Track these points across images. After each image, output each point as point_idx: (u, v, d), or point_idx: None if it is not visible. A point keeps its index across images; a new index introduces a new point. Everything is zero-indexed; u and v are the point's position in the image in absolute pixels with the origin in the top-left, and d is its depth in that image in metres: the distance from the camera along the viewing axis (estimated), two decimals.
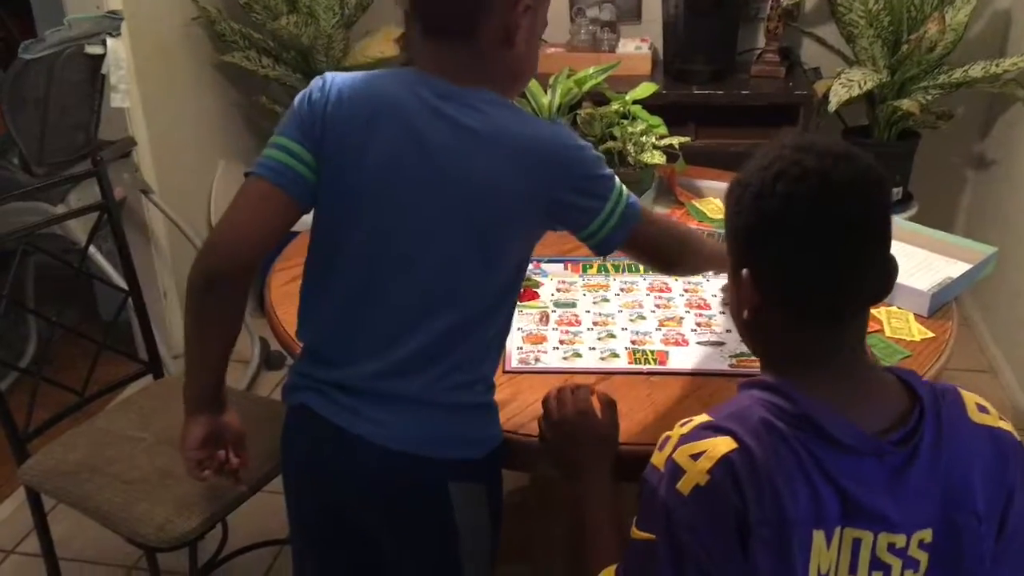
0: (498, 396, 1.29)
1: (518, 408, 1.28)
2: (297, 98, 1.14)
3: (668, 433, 0.90)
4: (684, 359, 1.40)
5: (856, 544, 0.85)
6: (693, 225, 1.82)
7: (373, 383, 1.12)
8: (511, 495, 1.22)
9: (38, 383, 1.74)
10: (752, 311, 0.91)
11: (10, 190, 1.90)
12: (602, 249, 1.18)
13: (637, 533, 0.90)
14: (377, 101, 1.11)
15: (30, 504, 1.73)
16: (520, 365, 1.38)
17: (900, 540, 0.86)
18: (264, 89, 3.04)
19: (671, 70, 2.91)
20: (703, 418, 0.89)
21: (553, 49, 2.99)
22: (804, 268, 0.86)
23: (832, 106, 2.54)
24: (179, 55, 2.83)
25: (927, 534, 0.86)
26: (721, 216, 1.86)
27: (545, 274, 1.68)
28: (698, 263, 1.35)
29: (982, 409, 0.92)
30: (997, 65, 2.60)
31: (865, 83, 2.56)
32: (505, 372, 1.37)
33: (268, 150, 1.12)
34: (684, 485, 0.84)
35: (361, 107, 1.11)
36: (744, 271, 0.90)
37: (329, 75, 1.15)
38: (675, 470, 0.85)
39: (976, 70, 2.62)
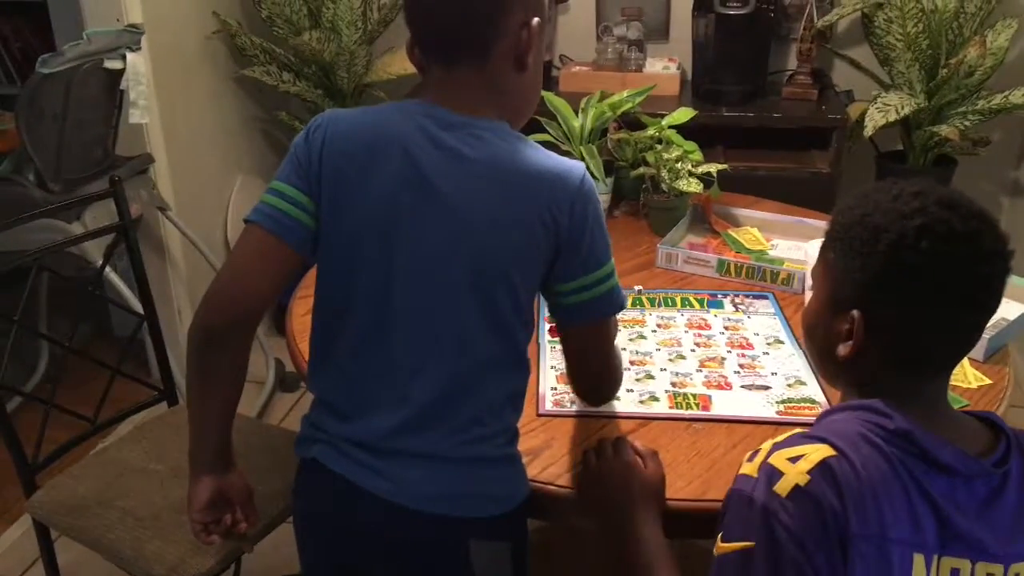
0: (531, 443, 1.22)
1: (553, 457, 1.21)
2: (295, 139, 1.08)
3: (758, 447, 0.89)
4: (728, 404, 1.32)
5: (954, 575, 0.84)
6: (729, 256, 1.75)
7: (388, 440, 1.06)
8: (533, 533, 1.15)
9: (48, 411, 1.68)
10: (853, 350, 0.91)
11: (25, 206, 1.85)
12: (565, 315, 1.11)
13: (725, 547, 0.86)
14: (377, 136, 1.05)
15: (37, 534, 1.67)
16: (554, 408, 1.31)
17: (998, 571, 0.85)
18: (284, 104, 3.00)
19: (700, 91, 2.84)
20: (796, 429, 0.89)
21: (579, 68, 2.93)
22: (931, 326, 0.87)
23: (868, 131, 2.47)
24: (199, 69, 2.78)
25: (1023, 568, 0.85)
26: (758, 248, 1.80)
27: None
28: (603, 397, 1.26)
29: None
30: None
31: (903, 108, 2.48)
32: (538, 416, 1.29)
33: (265, 195, 1.07)
34: (783, 487, 0.82)
35: (359, 143, 1.05)
36: (856, 312, 0.89)
37: (327, 113, 1.09)
38: (772, 473, 0.84)
39: (1017, 96, 2.54)
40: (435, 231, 1.02)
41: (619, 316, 1.54)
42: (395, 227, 1.03)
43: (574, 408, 1.31)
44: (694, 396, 1.34)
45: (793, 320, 1.55)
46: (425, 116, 1.05)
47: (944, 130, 2.53)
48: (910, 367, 0.90)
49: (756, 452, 0.88)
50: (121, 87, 2.17)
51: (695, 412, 1.30)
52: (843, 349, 0.92)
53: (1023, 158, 2.92)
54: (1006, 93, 2.56)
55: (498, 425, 1.08)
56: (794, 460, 0.83)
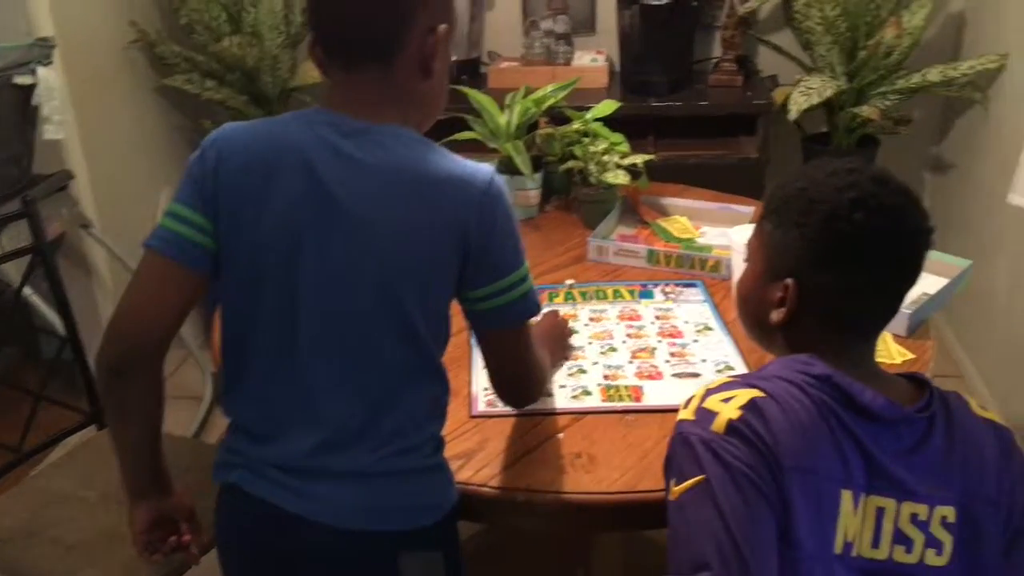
0: (464, 446, 1.22)
1: (487, 458, 1.20)
2: (189, 157, 1.05)
3: (691, 395, 0.94)
4: (659, 394, 1.33)
5: (880, 514, 0.88)
6: (659, 246, 1.76)
7: (308, 460, 1.03)
8: (474, 537, 1.14)
9: None
10: (786, 316, 0.96)
11: None
12: (478, 321, 1.08)
13: (679, 488, 0.88)
14: (274, 148, 1.01)
15: None
16: (487, 409, 1.30)
17: (923, 511, 0.89)
18: (209, 112, 2.93)
19: (628, 82, 2.85)
20: (727, 377, 0.95)
21: (507, 64, 2.92)
22: (859, 292, 0.93)
23: (792, 115, 2.51)
24: (117, 81, 2.70)
25: (950, 512, 0.90)
26: (687, 236, 1.81)
27: None
28: (524, 400, 1.21)
29: (982, 407, 0.99)
30: (955, 68, 2.58)
31: (824, 91, 2.53)
32: (471, 417, 1.29)
33: (161, 219, 1.03)
34: (718, 424, 0.87)
35: (257, 156, 1.01)
36: (790, 280, 0.95)
37: (222, 128, 1.05)
38: (706, 415, 0.88)
39: (934, 74, 2.60)
40: (339, 244, 0.99)
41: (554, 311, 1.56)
42: (298, 242, 1.00)
43: (507, 408, 1.30)
44: (626, 388, 1.34)
45: (722, 306, 1.57)
46: (325, 124, 1.02)
47: (865, 110, 2.58)
48: (839, 330, 0.96)
49: (691, 399, 0.93)
50: (33, 103, 2.10)
51: (627, 404, 1.31)
52: (776, 315, 0.97)
53: (943, 135, 3.00)
54: (923, 72, 2.62)
55: (422, 435, 1.06)
56: (726, 401, 0.89)
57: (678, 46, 2.83)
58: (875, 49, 2.52)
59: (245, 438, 1.08)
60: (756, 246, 1.02)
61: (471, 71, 2.97)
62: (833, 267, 0.93)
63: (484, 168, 1.03)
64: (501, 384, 1.14)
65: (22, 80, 2.05)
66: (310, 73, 2.86)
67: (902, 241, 0.93)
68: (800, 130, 2.84)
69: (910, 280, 0.95)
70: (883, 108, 2.61)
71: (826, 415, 0.88)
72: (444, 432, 1.12)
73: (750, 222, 1.79)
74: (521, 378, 1.14)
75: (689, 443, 0.88)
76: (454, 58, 2.93)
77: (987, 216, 2.59)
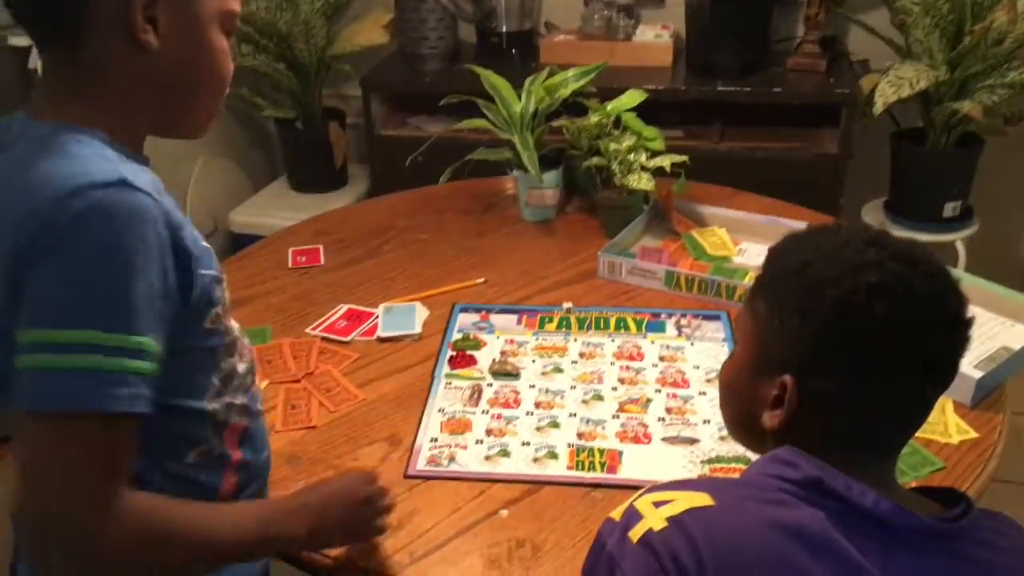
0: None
1: (415, 531, 0.99)
2: None
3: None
4: (641, 464, 1.08)
5: None
6: (683, 267, 1.49)
7: None
8: None
9: None
10: (782, 423, 0.75)
11: None
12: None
13: None
14: None
15: None
16: (428, 468, 1.09)
17: None
18: (247, 79, 2.78)
19: (694, 62, 2.55)
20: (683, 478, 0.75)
21: (562, 36, 2.66)
22: (877, 401, 0.72)
23: (877, 108, 2.17)
24: None
25: None
26: (723, 253, 1.54)
27: (492, 330, 1.37)
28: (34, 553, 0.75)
29: None
30: None
31: (918, 81, 2.17)
32: (406, 478, 1.07)
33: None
34: (636, 532, 0.70)
35: None
36: (788, 378, 0.73)
37: None
38: (632, 516, 0.71)
39: None
40: None
41: (541, 341, 1.33)
42: None
43: (452, 467, 1.09)
44: (601, 453, 1.10)
45: None
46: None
47: (966, 106, 2.21)
48: (849, 445, 0.74)
49: (637, 493, 0.76)
50: (31, 65, 1.97)
51: (598, 475, 1.07)
52: (770, 419, 0.76)
53: None
54: None
55: None
56: (659, 504, 0.70)
57: (753, 22, 2.51)
58: (983, 35, 2.15)
59: None
60: (746, 326, 0.79)
61: (523, 43, 2.72)
62: (844, 370, 0.71)
63: (90, 175, 0.71)
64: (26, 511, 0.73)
65: (16, 41, 1.92)
66: (350, 40, 2.67)
67: (935, 339, 0.71)
68: (894, 123, 2.49)
69: (943, 386, 0.74)
70: (989, 104, 2.24)
71: (802, 542, 0.67)
72: None
73: None
74: (23, 508, 0.71)
75: (598, 550, 0.73)
76: (503, 29, 2.69)
77: None
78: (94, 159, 0.73)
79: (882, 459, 0.76)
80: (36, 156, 0.73)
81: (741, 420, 0.82)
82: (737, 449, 1.10)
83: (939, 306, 0.71)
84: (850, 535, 0.68)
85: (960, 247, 2.44)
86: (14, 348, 0.71)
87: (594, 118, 1.60)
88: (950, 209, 2.44)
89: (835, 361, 0.72)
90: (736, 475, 1.05)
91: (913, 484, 0.90)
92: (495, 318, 1.39)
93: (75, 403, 0.70)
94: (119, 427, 0.71)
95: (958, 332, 0.73)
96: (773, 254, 0.79)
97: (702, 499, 0.70)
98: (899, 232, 2.47)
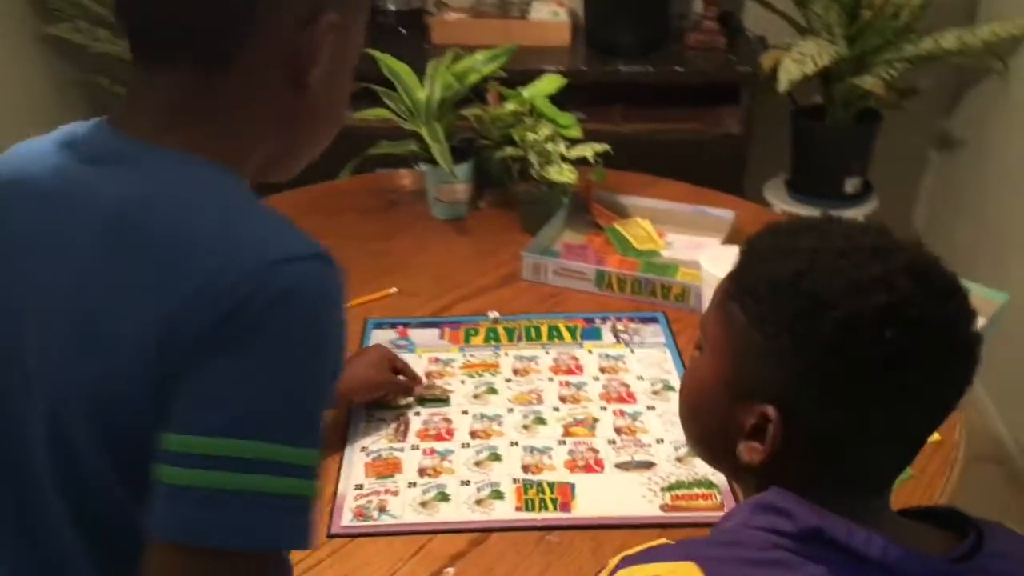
0: None
1: None
2: None
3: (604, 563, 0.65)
4: (596, 497, 0.97)
5: None
6: (612, 266, 1.38)
7: None
8: None
9: None
10: (764, 458, 0.64)
11: None
12: (155, 519, 0.56)
13: None
14: None
15: None
16: (355, 523, 0.94)
17: None
18: (104, 67, 2.51)
19: (594, 41, 2.45)
20: (658, 541, 0.65)
21: (454, 15, 2.51)
22: (879, 434, 0.62)
23: (783, 86, 2.13)
24: None
25: None
26: (649, 246, 1.45)
27: (412, 347, 1.23)
28: None
29: None
30: (973, 33, 2.21)
31: (821, 57, 2.14)
32: (329, 537, 0.92)
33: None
34: None
35: None
36: (772, 410, 0.62)
37: None
38: None
39: (949, 40, 2.22)
40: (23, 331, 0.62)
41: (469, 358, 1.20)
42: None
43: (383, 520, 0.94)
44: (551, 487, 0.98)
45: (687, 352, 1.21)
46: (73, 146, 0.66)
47: (867, 82, 2.20)
48: (843, 482, 0.64)
49: (601, 569, 0.65)
50: None
51: (550, 516, 0.95)
52: (748, 452, 0.65)
53: (952, 108, 2.63)
54: (935, 37, 2.24)
55: None
56: None
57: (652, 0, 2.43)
58: (881, 9, 2.14)
59: None
60: (718, 335, 0.67)
61: (412, 23, 2.55)
62: (840, 402, 0.61)
63: (286, 242, 0.59)
64: None
65: None
66: None
67: (952, 369, 0.61)
68: (792, 102, 2.46)
69: (949, 412, 0.64)
70: (888, 79, 2.23)
71: None
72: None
73: (726, 240, 1.43)
74: None
75: None
76: (391, 7, 2.52)
77: (1004, 201, 2.25)
78: (272, 218, 0.61)
79: (879, 495, 0.67)
80: (194, 199, 0.61)
81: (709, 445, 0.71)
82: (697, 471, 1.00)
83: (955, 330, 0.62)
84: None
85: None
86: (149, 449, 0.55)
87: (510, 106, 1.47)
88: (851, 185, 2.44)
89: (831, 392, 0.61)
90: (702, 503, 0.97)
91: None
92: (414, 333, 1.25)
93: (253, 540, 0.55)
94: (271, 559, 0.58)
95: (971, 359, 0.63)
96: (754, 254, 0.67)
97: (690, 572, 0.59)
98: (802, 211, 2.49)
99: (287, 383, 0.56)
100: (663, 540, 0.65)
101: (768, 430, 0.63)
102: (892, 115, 2.45)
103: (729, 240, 1.42)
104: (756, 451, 0.64)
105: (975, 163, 2.48)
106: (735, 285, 0.67)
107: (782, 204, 2.47)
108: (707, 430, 0.70)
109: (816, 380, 0.61)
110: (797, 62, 2.15)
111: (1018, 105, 2.22)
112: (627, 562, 0.62)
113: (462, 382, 1.15)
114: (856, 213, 2.42)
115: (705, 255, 1.23)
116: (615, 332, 1.26)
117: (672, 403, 1.11)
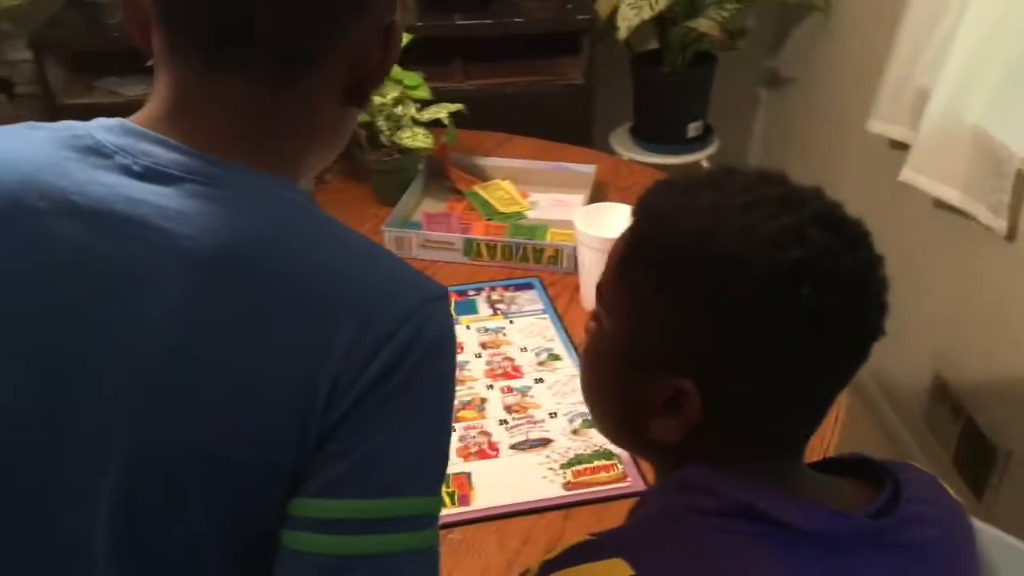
0: None
1: None
2: None
3: (525, 569, 0.61)
4: (495, 484, 0.92)
5: None
6: (479, 232, 1.32)
7: None
8: None
9: None
10: (679, 434, 0.60)
11: None
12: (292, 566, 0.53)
13: None
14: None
15: None
16: None
17: None
18: None
19: None
20: (579, 538, 0.60)
21: None
22: (796, 395, 0.59)
23: (622, 33, 2.13)
24: None
25: None
26: (514, 208, 1.39)
27: None
28: None
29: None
30: None
31: (657, 3, 2.14)
32: None
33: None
34: None
35: None
36: (689, 384, 0.58)
37: None
38: None
39: None
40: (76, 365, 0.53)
41: None
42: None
43: None
44: (447, 480, 0.92)
45: (567, 318, 1.17)
46: (89, 153, 0.55)
47: (703, 24, 2.22)
48: (762, 449, 0.61)
49: (524, 574, 0.61)
50: None
51: (450, 511, 0.88)
52: (663, 431, 0.60)
53: (777, 46, 2.71)
54: None
55: None
56: None
57: None
58: None
59: None
60: (617, 304, 0.62)
61: None
62: (758, 367, 0.58)
63: (420, 282, 0.57)
64: None
65: None
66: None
67: (866, 318, 0.59)
68: (629, 49, 2.46)
69: (862, 364, 0.62)
70: (720, 20, 2.26)
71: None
72: None
73: (588, 200, 1.39)
74: None
75: None
76: None
77: (829, 138, 2.35)
78: (382, 250, 0.60)
79: (795, 456, 0.65)
80: (309, 231, 0.55)
81: (618, 425, 0.67)
82: (595, 442, 0.96)
83: (868, 281, 0.60)
84: (787, 560, 0.57)
85: (706, 166, 2.49)
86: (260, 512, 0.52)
87: None
88: (693, 129, 2.47)
89: (749, 357, 0.58)
90: (604, 475, 0.93)
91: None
92: None
93: None
94: None
95: (882, 306, 0.61)
96: (651, 215, 0.62)
97: (619, 570, 0.55)
98: (648, 158, 2.51)
99: (434, 436, 0.55)
100: (586, 536, 0.60)
101: (684, 405, 0.59)
102: (725, 57, 2.49)
103: (594, 195, 1.39)
104: (672, 429, 0.60)
105: (803, 99, 2.58)
106: (633, 249, 0.61)
107: (629, 153, 2.47)
108: (614, 409, 0.65)
109: (732, 345, 0.58)
110: (634, 8, 2.14)
111: (840, 40, 2.30)
112: (549, 567, 0.58)
113: None
114: (700, 157, 2.47)
115: (578, 214, 1.19)
116: (491, 303, 1.20)
117: (559, 373, 1.07)
